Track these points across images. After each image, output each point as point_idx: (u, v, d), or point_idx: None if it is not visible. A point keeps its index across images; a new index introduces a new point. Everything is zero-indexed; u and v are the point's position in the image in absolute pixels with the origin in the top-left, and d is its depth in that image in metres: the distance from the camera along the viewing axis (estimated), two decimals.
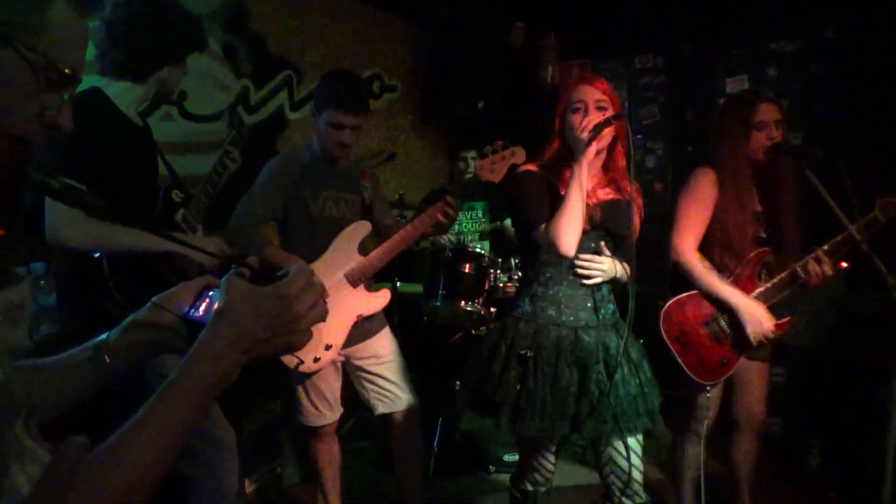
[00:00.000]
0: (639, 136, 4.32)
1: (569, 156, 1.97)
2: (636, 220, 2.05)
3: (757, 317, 2.23)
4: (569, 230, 1.85)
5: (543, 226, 1.91)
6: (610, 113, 1.91)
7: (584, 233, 1.96)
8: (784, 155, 2.31)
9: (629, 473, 1.94)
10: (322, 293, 0.82)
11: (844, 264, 2.67)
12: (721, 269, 2.34)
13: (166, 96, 2.10)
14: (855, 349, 3.11)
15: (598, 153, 1.97)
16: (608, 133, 1.94)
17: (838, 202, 2.15)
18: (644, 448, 2.01)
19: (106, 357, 0.86)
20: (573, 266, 1.98)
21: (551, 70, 4.73)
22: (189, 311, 0.89)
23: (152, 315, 0.88)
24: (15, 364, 0.81)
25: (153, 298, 0.90)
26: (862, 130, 3.43)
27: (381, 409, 2.54)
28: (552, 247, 1.88)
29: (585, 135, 1.87)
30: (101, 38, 1.92)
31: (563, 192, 1.93)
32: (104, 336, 0.88)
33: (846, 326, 3.24)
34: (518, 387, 1.92)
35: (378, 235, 2.55)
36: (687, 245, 2.30)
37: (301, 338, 0.80)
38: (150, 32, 1.90)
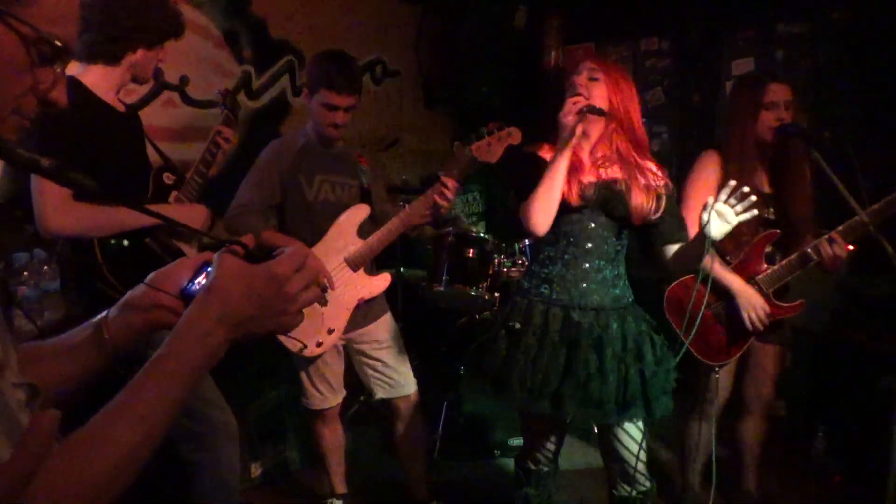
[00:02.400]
0: (644, 121, 4.28)
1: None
2: (649, 201, 1.97)
3: (753, 303, 2.24)
4: (540, 209, 1.85)
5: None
6: (603, 88, 1.89)
7: (579, 210, 1.94)
8: (791, 136, 2.29)
9: (627, 461, 1.94)
10: (316, 276, 0.80)
11: (851, 247, 2.65)
12: (722, 252, 2.32)
13: (139, 81, 2.08)
14: (860, 333, 3.10)
15: (591, 136, 1.96)
16: (596, 120, 1.92)
17: (846, 184, 2.13)
18: (654, 430, 2.00)
19: (105, 334, 0.85)
20: (570, 245, 1.97)
21: (555, 54, 4.69)
22: (187, 287, 0.89)
23: (148, 292, 0.87)
24: (19, 346, 0.80)
25: (151, 274, 0.89)
26: (869, 113, 3.39)
27: (380, 393, 2.56)
28: (525, 224, 1.89)
29: (570, 119, 1.83)
30: None
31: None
32: (103, 314, 0.87)
33: (852, 311, 3.22)
34: (503, 356, 1.96)
35: (376, 220, 2.54)
36: (691, 228, 2.28)
37: (292, 320, 0.79)
38: (124, 14, 1.89)
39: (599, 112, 1.87)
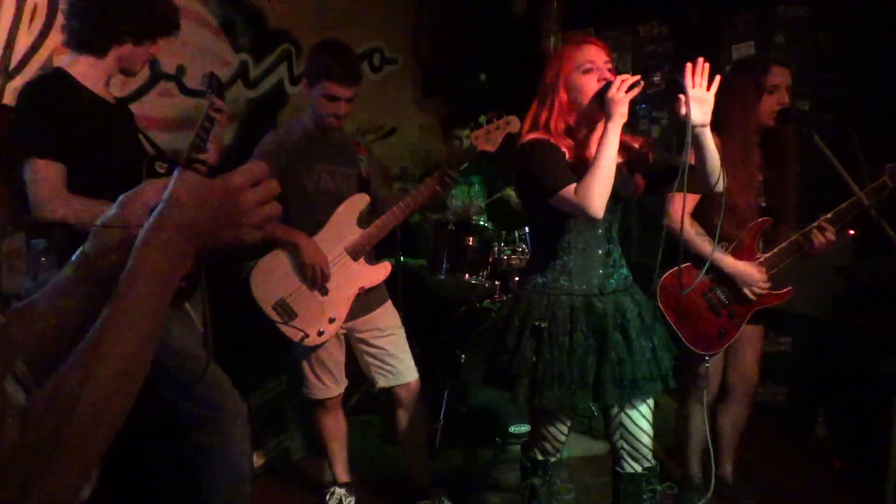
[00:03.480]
0: (643, 105, 4.26)
1: (579, 119, 1.93)
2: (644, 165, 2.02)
3: (749, 276, 2.27)
4: (601, 194, 1.76)
5: (573, 188, 1.80)
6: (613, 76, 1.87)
7: None
8: (793, 120, 2.28)
9: (638, 439, 1.95)
10: (274, 192, 0.82)
11: (852, 232, 2.65)
12: (721, 237, 2.32)
13: (127, 74, 2.07)
14: (861, 318, 3.09)
15: (599, 129, 1.93)
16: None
17: (847, 168, 2.12)
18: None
19: (92, 262, 0.86)
20: (583, 232, 1.95)
21: (554, 40, 4.65)
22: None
23: (114, 221, 0.88)
24: (10, 308, 0.82)
25: (121, 197, 0.89)
26: (870, 96, 3.37)
27: (381, 382, 2.56)
28: (581, 210, 1.79)
29: (623, 97, 1.78)
30: (64, 8, 1.90)
31: (570, 159, 1.90)
32: (82, 248, 0.88)
33: (853, 296, 3.22)
34: (534, 358, 1.91)
35: (375, 208, 2.53)
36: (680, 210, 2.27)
37: (248, 233, 0.80)
38: (112, 4, 1.87)
39: (655, 86, 1.82)
